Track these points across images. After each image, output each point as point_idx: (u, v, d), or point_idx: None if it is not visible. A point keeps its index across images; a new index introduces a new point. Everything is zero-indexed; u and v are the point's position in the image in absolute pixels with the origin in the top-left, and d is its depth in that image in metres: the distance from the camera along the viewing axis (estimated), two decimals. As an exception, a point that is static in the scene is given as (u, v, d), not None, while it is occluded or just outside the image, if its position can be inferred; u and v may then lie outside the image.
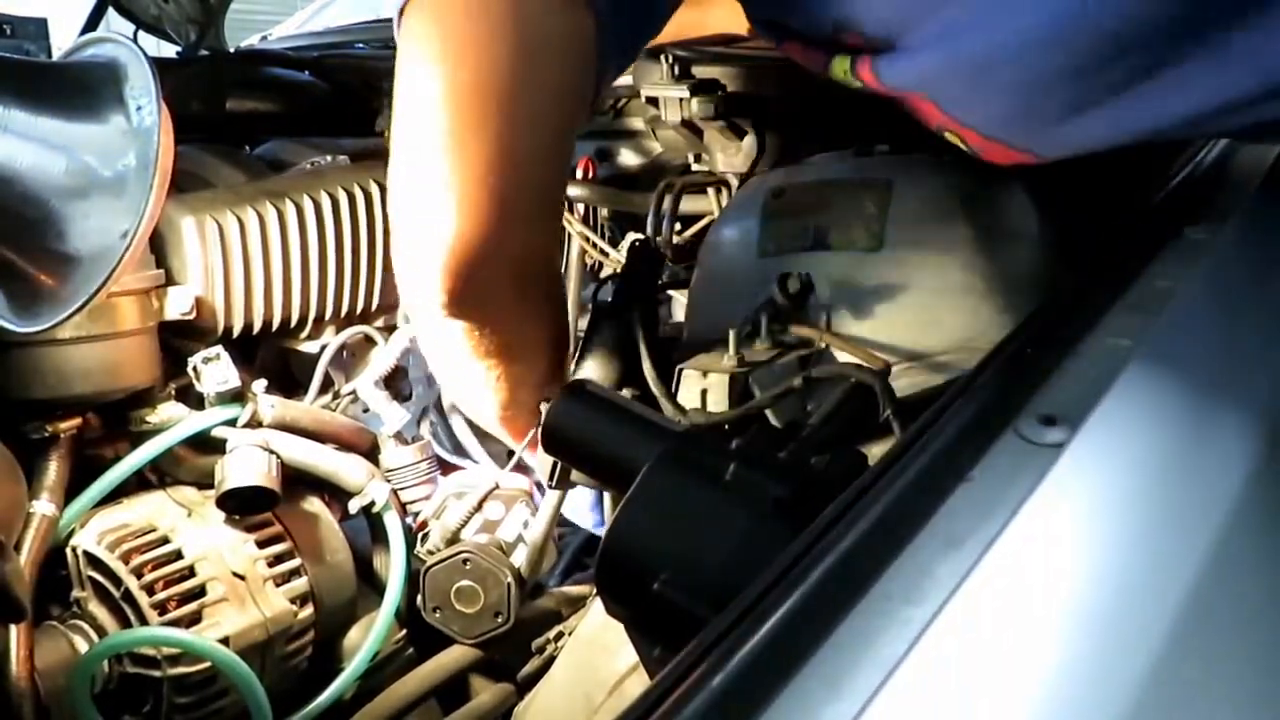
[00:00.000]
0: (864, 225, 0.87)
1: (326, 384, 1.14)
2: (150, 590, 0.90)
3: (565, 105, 0.72)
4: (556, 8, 0.67)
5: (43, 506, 0.89)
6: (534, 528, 1.01)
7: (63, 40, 2.44)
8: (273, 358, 1.13)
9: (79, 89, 0.81)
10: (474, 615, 0.98)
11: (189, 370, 0.98)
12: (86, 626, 0.90)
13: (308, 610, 0.99)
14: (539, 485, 0.99)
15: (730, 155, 1.13)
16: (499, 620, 0.98)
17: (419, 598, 1.00)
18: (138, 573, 0.90)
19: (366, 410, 1.13)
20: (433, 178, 0.69)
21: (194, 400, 1.01)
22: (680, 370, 0.78)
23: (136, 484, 1.00)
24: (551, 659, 0.95)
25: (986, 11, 0.70)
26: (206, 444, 1.00)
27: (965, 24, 0.71)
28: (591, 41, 0.68)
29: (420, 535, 1.07)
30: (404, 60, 0.69)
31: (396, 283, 0.77)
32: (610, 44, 0.69)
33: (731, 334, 0.77)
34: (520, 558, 1.01)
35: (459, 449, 1.36)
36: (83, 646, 0.89)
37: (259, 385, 1.01)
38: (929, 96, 0.78)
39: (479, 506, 0.98)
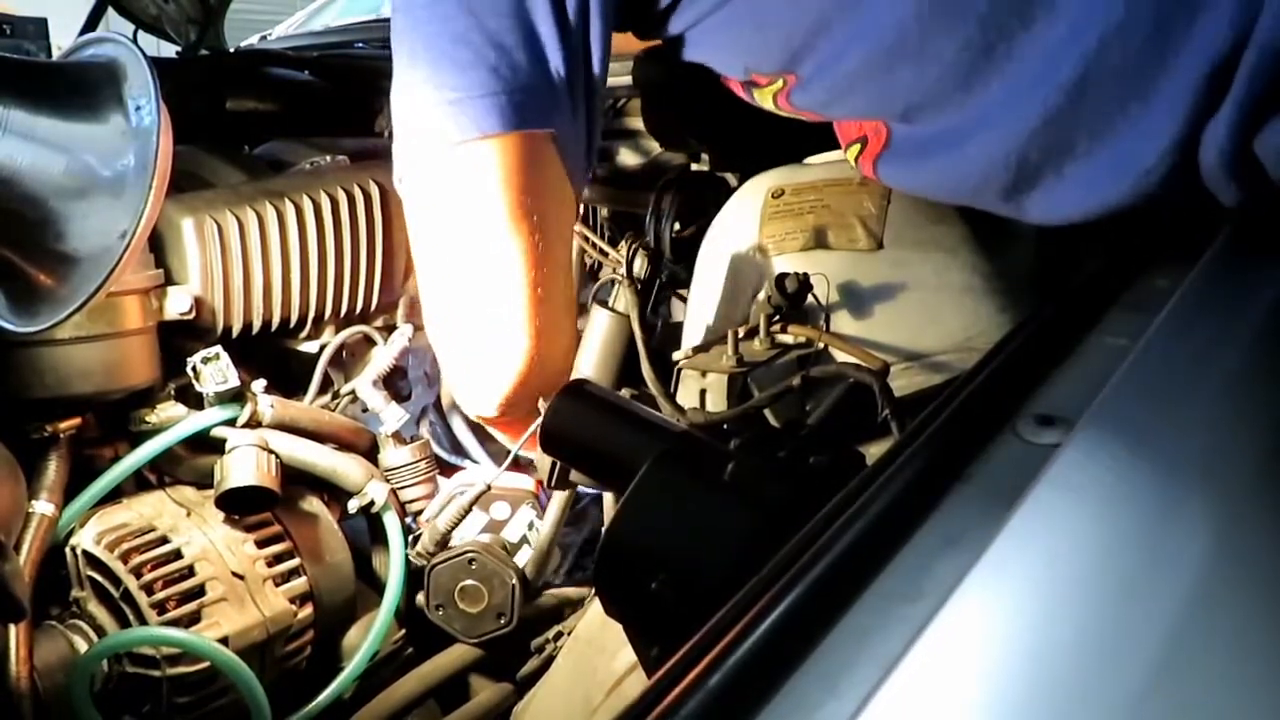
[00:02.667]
0: (864, 225, 0.87)
1: (326, 384, 1.14)
2: (149, 590, 0.90)
3: (570, 214, 0.85)
4: (538, 143, 0.79)
5: (42, 506, 0.89)
6: (540, 532, 1.01)
7: (63, 40, 2.45)
8: (272, 358, 1.13)
9: (79, 89, 0.81)
10: (477, 615, 0.98)
11: (188, 370, 0.98)
12: (86, 626, 0.91)
13: (307, 610, 0.99)
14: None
15: None
16: (501, 621, 0.98)
17: (422, 594, 1.00)
18: (137, 572, 0.90)
19: (366, 410, 1.13)
20: (488, 310, 0.82)
21: (193, 400, 1.01)
22: (679, 370, 0.78)
23: (136, 484, 1.00)
24: (550, 659, 0.95)
25: None
26: (206, 444, 1.00)
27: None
28: (560, 160, 0.81)
29: (413, 536, 1.07)
30: (432, 213, 0.83)
31: (456, 399, 0.87)
32: (571, 157, 0.83)
33: (731, 334, 0.77)
34: (524, 559, 1.01)
35: (458, 449, 1.36)
36: (82, 646, 0.89)
37: (258, 385, 1.01)
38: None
39: (469, 508, 0.98)
